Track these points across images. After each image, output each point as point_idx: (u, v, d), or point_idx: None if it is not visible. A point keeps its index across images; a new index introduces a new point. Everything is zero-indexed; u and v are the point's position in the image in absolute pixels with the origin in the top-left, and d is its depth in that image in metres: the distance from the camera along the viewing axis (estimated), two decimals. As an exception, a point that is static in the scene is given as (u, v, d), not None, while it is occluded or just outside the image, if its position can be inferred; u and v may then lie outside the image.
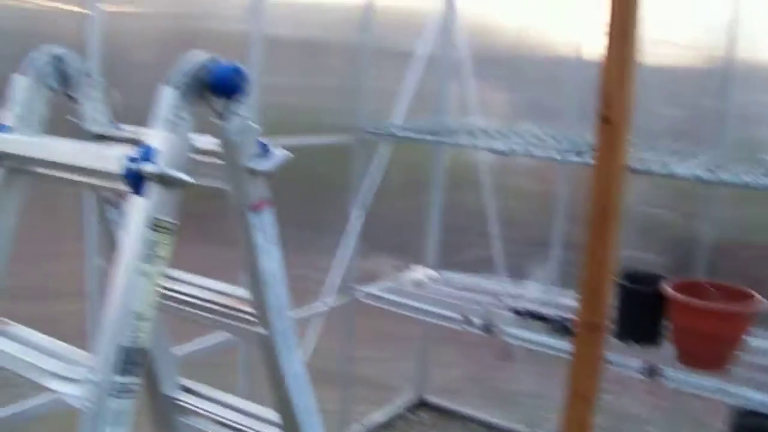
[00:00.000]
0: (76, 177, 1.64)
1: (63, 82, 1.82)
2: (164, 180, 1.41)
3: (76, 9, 2.74)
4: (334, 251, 3.99)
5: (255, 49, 3.32)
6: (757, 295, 3.39)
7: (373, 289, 4.05)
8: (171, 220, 1.44)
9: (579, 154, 3.50)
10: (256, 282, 1.71)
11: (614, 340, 3.50)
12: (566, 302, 3.99)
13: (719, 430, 3.71)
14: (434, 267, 4.52)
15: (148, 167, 1.40)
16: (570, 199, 4.26)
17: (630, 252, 3.83)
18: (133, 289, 1.41)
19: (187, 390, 2.28)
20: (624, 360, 3.40)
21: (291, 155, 1.66)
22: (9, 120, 1.75)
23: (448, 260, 4.63)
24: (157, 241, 1.43)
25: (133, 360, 1.43)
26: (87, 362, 1.48)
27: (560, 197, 4.30)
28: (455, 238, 4.75)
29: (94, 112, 1.88)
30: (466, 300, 4.01)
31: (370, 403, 4.70)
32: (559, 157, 3.56)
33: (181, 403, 2.26)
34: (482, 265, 4.55)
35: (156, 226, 1.42)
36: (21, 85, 1.76)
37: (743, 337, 3.41)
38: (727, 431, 3.64)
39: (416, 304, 3.90)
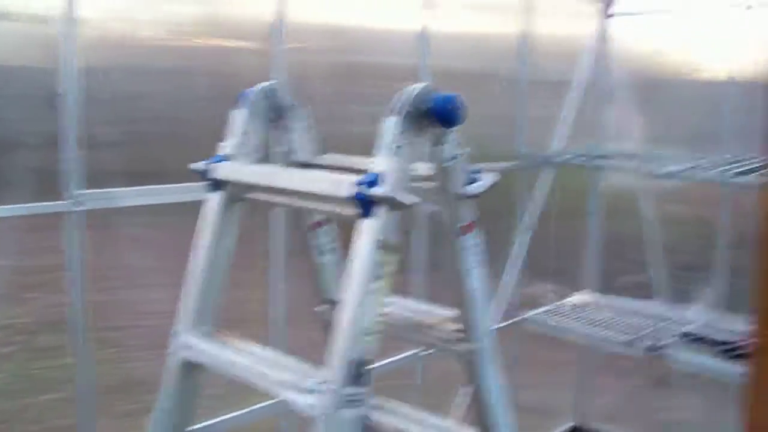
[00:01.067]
0: (296, 202, 1.77)
1: (274, 114, 1.96)
2: (391, 203, 1.51)
3: (260, 47, 2.90)
4: (498, 276, 4.04)
5: (424, 80, 3.43)
6: None
7: (535, 313, 4.08)
8: (396, 240, 1.54)
9: (742, 175, 3.45)
10: (464, 301, 1.79)
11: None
12: (733, 327, 3.92)
13: None
14: (595, 292, 4.52)
15: (377, 191, 1.50)
16: (731, 222, 4.19)
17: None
18: (363, 307, 1.51)
19: (378, 407, 2.37)
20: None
21: (498, 177, 1.74)
22: (228, 150, 1.89)
23: (608, 285, 4.61)
24: (383, 261, 1.53)
25: (362, 372, 1.53)
26: (315, 374, 1.58)
27: (721, 221, 4.23)
28: (615, 264, 4.73)
29: (301, 141, 2.01)
30: (628, 324, 3.99)
31: (529, 429, 4.69)
32: (722, 179, 3.52)
33: (372, 423, 2.34)
34: (643, 291, 4.52)
35: (383, 246, 1.52)
36: (238, 118, 1.90)
37: None
38: None
39: (579, 327, 3.92)
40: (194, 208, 1.96)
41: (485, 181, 1.73)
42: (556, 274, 4.54)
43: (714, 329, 3.94)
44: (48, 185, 2.43)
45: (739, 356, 3.50)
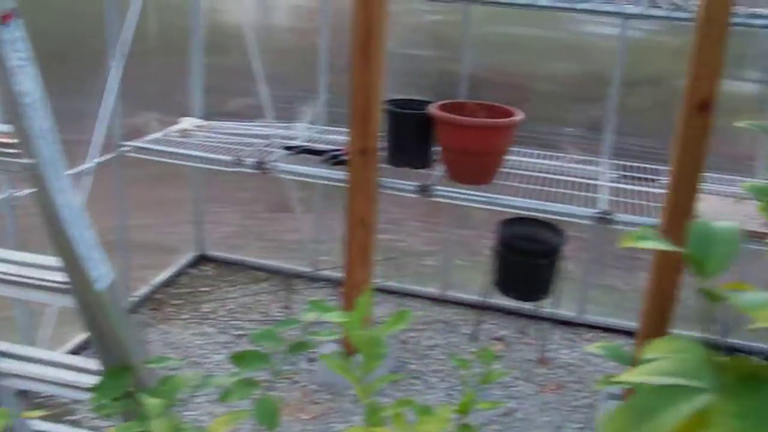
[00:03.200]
0: None
1: None
2: None
3: None
4: (94, 111, 3.77)
5: None
6: (516, 110, 3.56)
7: (140, 142, 3.89)
8: None
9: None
10: (14, 107, 1.58)
11: (388, 167, 3.60)
12: (334, 138, 4.05)
13: (483, 249, 3.95)
14: (201, 117, 4.42)
15: None
16: (331, 49, 4.26)
17: (396, 92, 3.94)
18: None
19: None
20: (398, 182, 3.51)
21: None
22: None
23: (215, 111, 4.53)
24: None
25: None
26: None
27: (322, 49, 4.29)
28: (221, 90, 4.65)
29: None
30: (236, 144, 3.96)
31: (153, 268, 4.61)
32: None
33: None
34: (250, 113, 4.51)
35: None
36: None
37: (504, 151, 3.60)
38: (494, 245, 3.88)
39: (186, 151, 3.81)
40: None
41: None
42: (162, 105, 4.36)
43: (317, 142, 4.04)
44: None
45: (339, 162, 3.61)
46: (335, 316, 1.78)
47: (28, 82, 1.57)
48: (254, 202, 5.01)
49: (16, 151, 1.66)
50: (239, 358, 1.79)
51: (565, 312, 4.37)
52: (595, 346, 1.77)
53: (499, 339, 4.22)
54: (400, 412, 1.86)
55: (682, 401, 0.70)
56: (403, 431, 1.80)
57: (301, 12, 4.57)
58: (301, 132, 4.20)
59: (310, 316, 1.86)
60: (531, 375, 3.90)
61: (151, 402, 1.53)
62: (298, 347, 1.81)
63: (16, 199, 3.23)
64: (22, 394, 2.51)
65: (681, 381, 0.76)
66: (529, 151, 4.05)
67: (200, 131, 4.18)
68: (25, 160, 1.65)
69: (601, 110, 4.04)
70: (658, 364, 0.84)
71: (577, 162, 3.95)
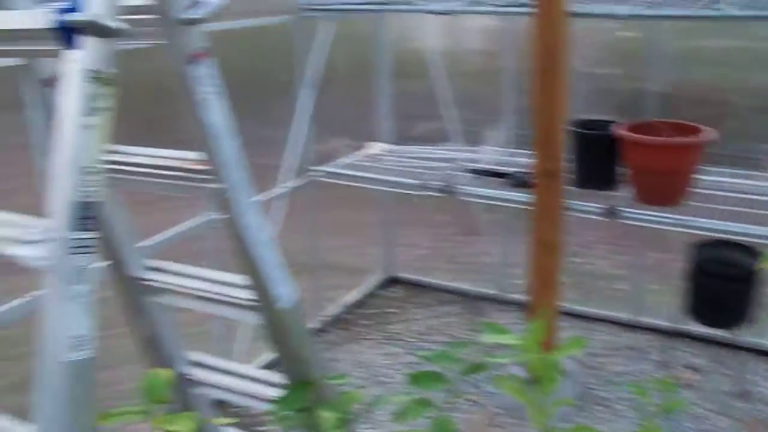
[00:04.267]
0: (4, 46, 1.60)
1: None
2: (97, 29, 1.38)
3: None
4: (288, 137, 3.95)
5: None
6: (705, 128, 3.44)
7: (330, 167, 4.04)
8: (109, 71, 1.42)
9: (519, 6, 3.49)
10: (204, 137, 1.69)
11: (574, 189, 3.56)
12: (521, 161, 4.03)
13: (678, 273, 3.80)
14: (389, 142, 4.53)
15: (78, 17, 1.37)
16: (517, 70, 4.26)
17: (583, 112, 3.89)
18: (78, 145, 1.39)
19: (154, 269, 2.29)
20: (583, 204, 3.45)
21: (227, 1, 1.63)
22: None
23: (402, 135, 4.63)
24: (97, 93, 1.40)
25: (88, 215, 1.42)
26: (42, 224, 1.47)
27: (508, 70, 4.31)
28: (409, 115, 4.75)
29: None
30: (423, 168, 4.03)
31: (343, 288, 4.76)
32: (499, 11, 3.59)
33: (149, 282, 2.26)
34: (437, 137, 4.58)
35: (95, 78, 1.40)
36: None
37: (694, 171, 3.47)
38: (687, 269, 3.74)
39: (374, 175, 3.93)
40: None
41: (211, 5, 1.61)
42: (351, 130, 4.51)
43: (503, 164, 4.04)
44: None
45: (523, 185, 3.60)
46: (509, 339, 1.78)
47: (214, 114, 1.68)
48: (448, 225, 5.07)
49: (206, 177, 1.78)
50: (416, 378, 1.83)
51: (768, 341, 4.15)
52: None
53: (691, 368, 4.06)
54: (576, 438, 1.83)
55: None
56: (578, 458, 1.78)
57: (489, 34, 4.60)
58: (487, 155, 4.22)
59: (486, 339, 1.88)
60: (727, 408, 3.72)
61: (327, 416, 1.59)
62: (474, 369, 1.82)
63: (215, 222, 3.43)
64: (220, 404, 2.65)
65: None
66: (723, 170, 3.87)
67: (388, 155, 4.29)
68: (214, 185, 1.76)
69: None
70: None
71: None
